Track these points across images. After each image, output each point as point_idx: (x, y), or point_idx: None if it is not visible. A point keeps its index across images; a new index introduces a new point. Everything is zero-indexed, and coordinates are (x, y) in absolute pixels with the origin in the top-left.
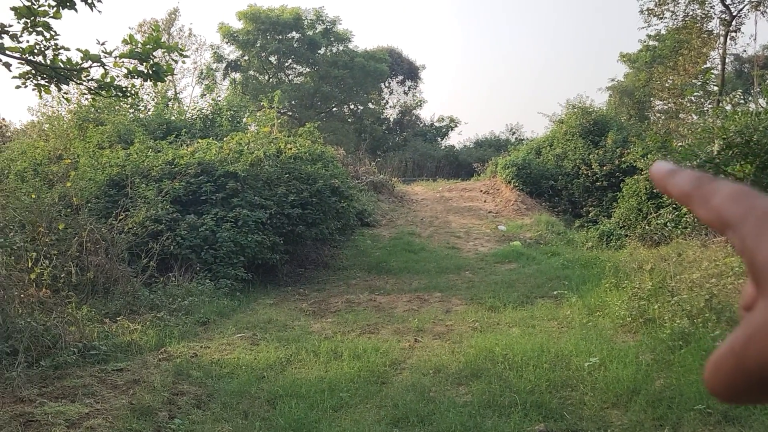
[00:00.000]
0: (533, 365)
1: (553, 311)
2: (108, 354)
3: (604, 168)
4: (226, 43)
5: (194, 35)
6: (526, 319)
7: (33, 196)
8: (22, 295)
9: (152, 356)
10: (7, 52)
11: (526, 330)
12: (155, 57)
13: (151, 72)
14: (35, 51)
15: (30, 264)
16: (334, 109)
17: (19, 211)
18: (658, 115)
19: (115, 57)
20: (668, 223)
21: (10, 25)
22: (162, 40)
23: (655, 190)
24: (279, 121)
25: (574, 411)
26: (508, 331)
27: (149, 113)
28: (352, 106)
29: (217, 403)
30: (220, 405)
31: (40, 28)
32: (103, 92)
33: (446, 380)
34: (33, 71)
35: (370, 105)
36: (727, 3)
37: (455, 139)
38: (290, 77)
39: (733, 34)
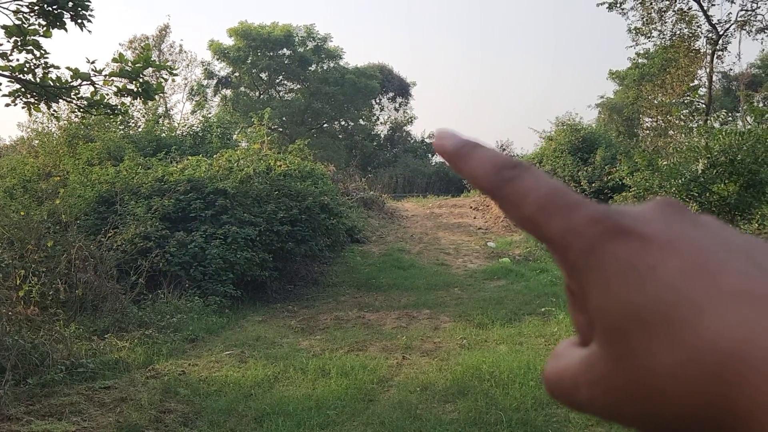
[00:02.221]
0: (519, 383)
1: (540, 328)
2: (95, 372)
3: (593, 185)
4: (217, 59)
5: (185, 51)
6: (513, 336)
7: (22, 213)
8: (9, 313)
9: (140, 374)
10: None
11: (513, 347)
12: (145, 75)
13: (141, 90)
14: (25, 69)
15: (18, 281)
16: (325, 125)
17: (8, 228)
18: (647, 132)
19: (105, 76)
20: None
21: (0, 44)
22: (152, 59)
23: None
24: (269, 138)
25: (559, 429)
26: (495, 348)
27: (139, 130)
28: (342, 123)
29: (204, 421)
30: (208, 423)
31: (30, 47)
32: (93, 110)
33: (433, 398)
34: (23, 89)
35: (361, 121)
36: (713, 22)
37: None
38: (281, 93)
39: (720, 52)
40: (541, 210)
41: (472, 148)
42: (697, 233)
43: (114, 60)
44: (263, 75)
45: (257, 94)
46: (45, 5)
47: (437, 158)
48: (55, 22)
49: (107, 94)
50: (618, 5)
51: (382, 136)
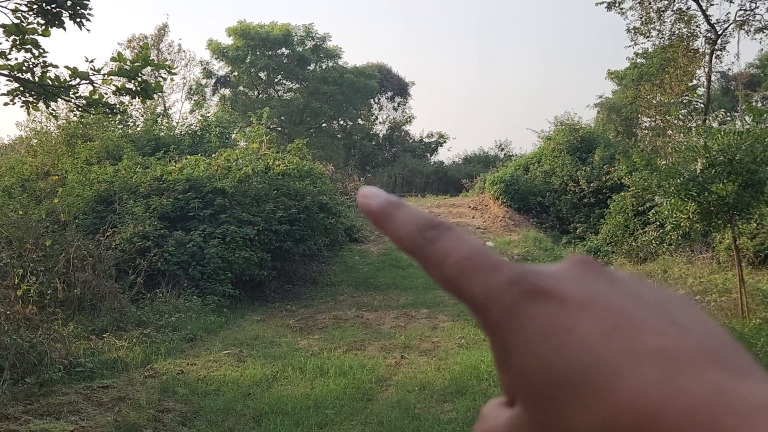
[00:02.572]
0: None
1: None
2: (94, 371)
3: (592, 185)
4: (216, 59)
5: (183, 50)
6: None
7: (20, 212)
8: (8, 312)
9: (138, 373)
10: None
11: None
12: (144, 74)
13: (139, 89)
14: (24, 68)
15: (16, 280)
16: (324, 124)
17: (6, 228)
18: (646, 131)
19: (104, 75)
20: (654, 240)
21: None
22: (151, 58)
23: (640, 208)
24: (268, 137)
25: None
26: None
27: (138, 129)
28: (341, 122)
29: (202, 421)
30: (206, 422)
31: (28, 46)
32: (92, 110)
33: (431, 397)
34: (21, 88)
35: (360, 121)
36: (712, 22)
37: (444, 155)
38: (280, 93)
39: (719, 52)
40: (461, 271)
41: (396, 208)
42: (612, 292)
43: (113, 59)
44: (262, 74)
45: (256, 93)
46: (44, 4)
47: (436, 158)
48: (53, 21)
49: (106, 93)
50: (617, 5)
51: (381, 135)
